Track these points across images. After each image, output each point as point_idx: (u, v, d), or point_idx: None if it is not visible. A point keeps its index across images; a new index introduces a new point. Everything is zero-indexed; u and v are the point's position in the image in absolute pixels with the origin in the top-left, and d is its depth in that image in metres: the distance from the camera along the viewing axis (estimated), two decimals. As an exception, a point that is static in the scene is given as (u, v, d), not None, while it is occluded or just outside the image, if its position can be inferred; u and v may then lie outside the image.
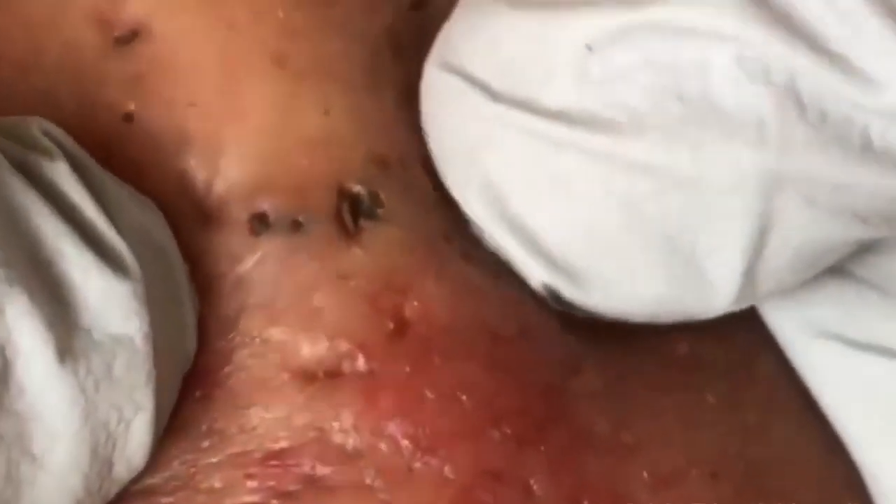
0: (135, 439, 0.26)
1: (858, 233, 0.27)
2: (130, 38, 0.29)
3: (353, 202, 0.29)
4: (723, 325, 0.30)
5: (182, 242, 0.28)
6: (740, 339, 0.31)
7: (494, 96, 0.28)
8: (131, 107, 0.29)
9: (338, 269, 0.29)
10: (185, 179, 0.29)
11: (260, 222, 0.29)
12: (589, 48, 0.27)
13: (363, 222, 0.29)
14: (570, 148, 0.27)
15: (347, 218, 0.29)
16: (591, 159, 0.27)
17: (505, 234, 0.29)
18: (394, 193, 0.30)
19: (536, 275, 0.29)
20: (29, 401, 0.24)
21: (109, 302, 0.25)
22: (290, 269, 0.29)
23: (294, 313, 0.29)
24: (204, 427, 0.28)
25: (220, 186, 0.29)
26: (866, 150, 0.26)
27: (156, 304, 0.26)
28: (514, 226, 0.29)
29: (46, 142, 0.26)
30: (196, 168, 0.29)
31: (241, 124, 0.29)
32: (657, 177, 0.27)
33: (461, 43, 0.29)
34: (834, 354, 0.30)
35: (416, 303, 0.29)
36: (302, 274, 0.29)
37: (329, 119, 0.29)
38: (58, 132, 0.26)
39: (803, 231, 0.27)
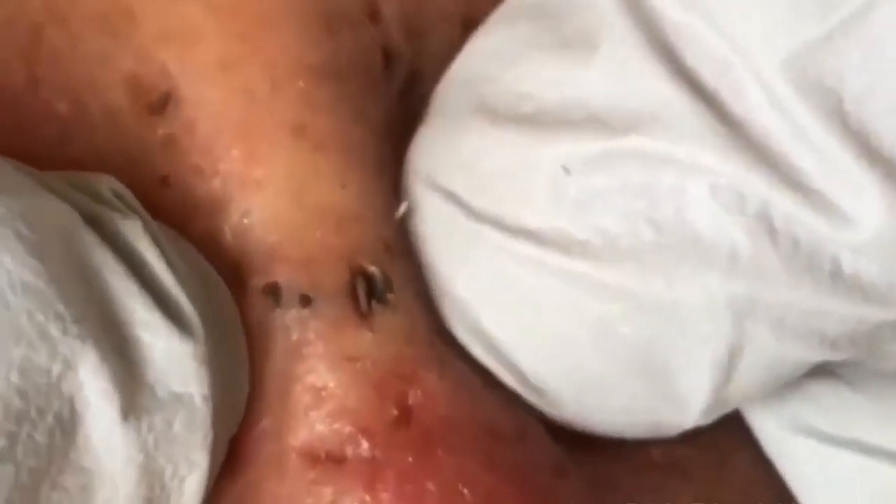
0: (186, 495, 0.25)
1: (827, 356, 0.28)
2: (164, 101, 0.29)
3: (368, 282, 0.29)
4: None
5: None
6: (716, 438, 0.32)
7: (472, 213, 0.28)
8: (167, 170, 0.29)
9: (344, 350, 0.28)
10: (218, 246, 0.28)
11: (272, 294, 0.28)
12: (566, 170, 0.27)
13: (374, 305, 0.29)
14: (544, 268, 0.28)
15: (362, 297, 0.29)
16: (564, 281, 0.27)
17: (478, 348, 0.29)
18: (402, 281, 0.29)
19: (512, 386, 0.29)
20: (93, 455, 0.24)
21: (173, 361, 0.25)
22: (298, 344, 0.28)
23: (300, 391, 0.28)
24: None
25: (243, 255, 0.29)
26: (836, 277, 0.27)
27: (216, 364, 0.26)
28: (485, 341, 0.29)
29: (117, 200, 0.26)
30: (225, 235, 0.29)
31: (259, 193, 0.29)
32: (630, 300, 0.27)
33: (441, 157, 0.29)
34: (811, 450, 0.31)
35: (419, 393, 0.28)
36: (308, 351, 0.28)
37: (345, 193, 0.29)
38: (125, 191, 0.26)
39: (773, 354, 0.28)
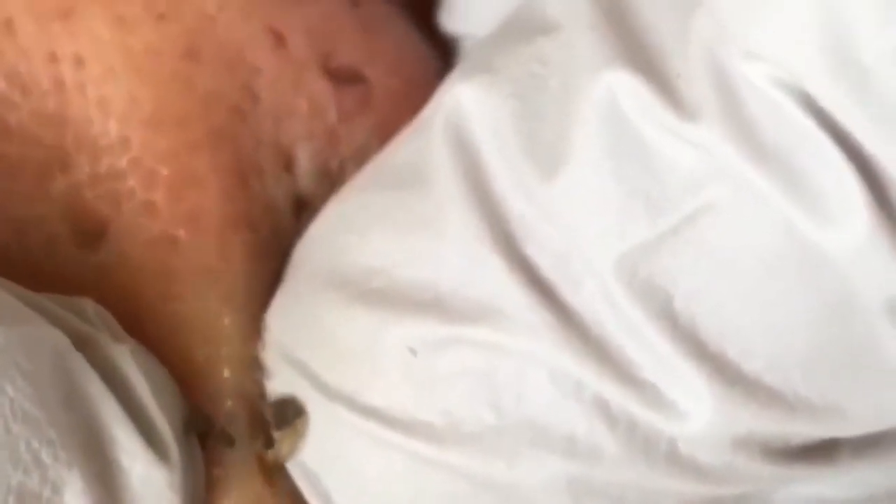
0: None
1: None
2: (100, 236, 0.30)
3: (270, 438, 0.30)
4: None
5: None
6: None
7: (323, 389, 0.29)
8: (97, 295, 0.30)
9: (251, 494, 0.30)
10: None
11: (202, 425, 0.30)
12: (413, 352, 0.28)
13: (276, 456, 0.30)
14: (390, 447, 0.28)
15: (260, 448, 0.30)
16: (410, 459, 0.28)
17: None
18: None
19: None
20: None
21: (148, 486, 0.26)
22: (219, 478, 0.30)
23: None
24: None
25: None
26: (672, 459, 0.27)
27: (187, 489, 0.27)
28: None
29: (100, 323, 0.27)
30: None
31: (178, 336, 0.30)
32: (474, 481, 0.28)
33: (296, 330, 0.30)
34: None
35: None
36: (225, 487, 0.30)
37: (254, 343, 0.31)
38: (106, 314, 0.28)
39: None
